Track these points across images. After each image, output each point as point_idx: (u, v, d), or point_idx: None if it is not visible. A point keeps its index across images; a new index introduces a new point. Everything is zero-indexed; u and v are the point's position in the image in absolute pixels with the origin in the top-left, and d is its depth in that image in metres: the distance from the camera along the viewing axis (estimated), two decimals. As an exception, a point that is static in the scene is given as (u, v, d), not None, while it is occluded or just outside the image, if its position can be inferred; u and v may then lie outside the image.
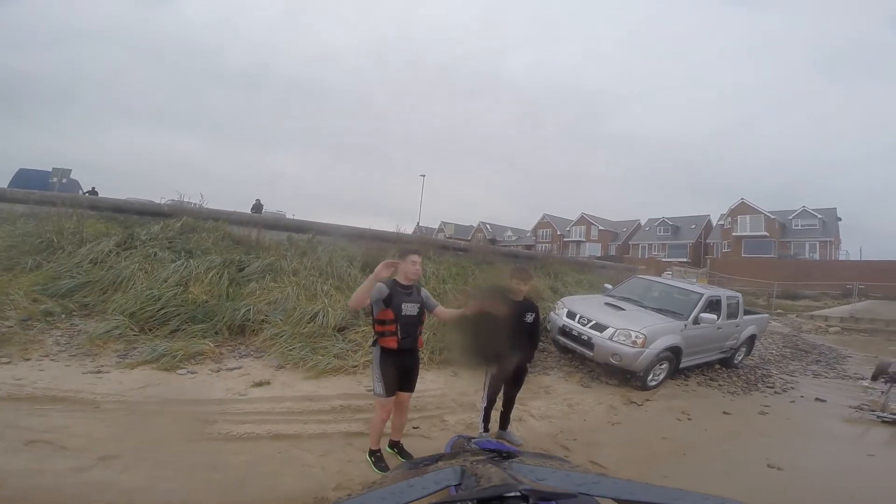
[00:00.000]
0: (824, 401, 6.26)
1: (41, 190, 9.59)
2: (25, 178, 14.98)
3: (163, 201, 8.60)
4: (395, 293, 2.91)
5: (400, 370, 3.01)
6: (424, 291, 3.14)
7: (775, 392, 6.54)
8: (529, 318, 3.64)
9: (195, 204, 8.21)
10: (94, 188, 16.61)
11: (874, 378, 6.16)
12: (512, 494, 0.78)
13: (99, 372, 3.98)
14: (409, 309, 2.95)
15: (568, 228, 53.05)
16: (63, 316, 4.85)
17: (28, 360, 4.03)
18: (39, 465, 2.59)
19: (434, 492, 0.86)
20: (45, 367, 3.96)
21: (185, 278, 5.63)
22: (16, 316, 4.59)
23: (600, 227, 50.65)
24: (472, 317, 2.98)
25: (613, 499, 0.84)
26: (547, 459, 1.32)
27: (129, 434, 3.06)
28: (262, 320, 5.36)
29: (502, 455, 1.25)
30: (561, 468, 1.09)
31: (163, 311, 5.01)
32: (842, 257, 33.80)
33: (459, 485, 0.92)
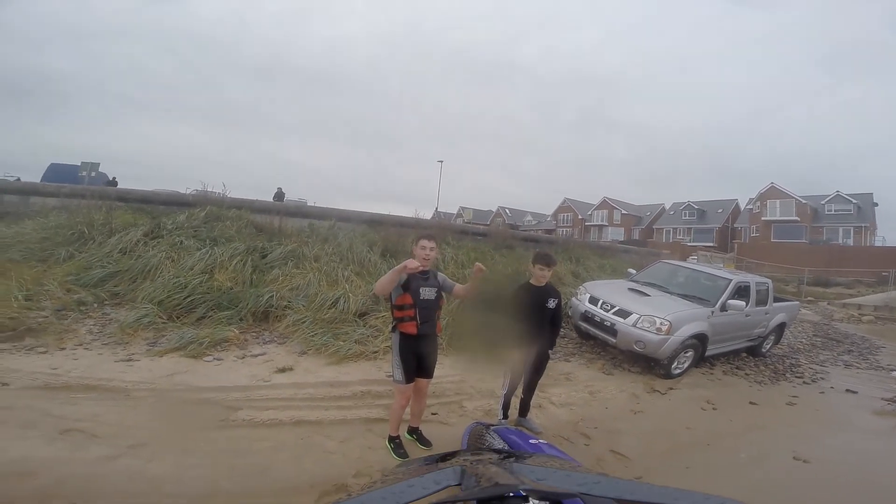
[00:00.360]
0: (856, 392, 6.05)
1: (71, 183, 9.86)
2: (56, 173, 15.44)
3: (187, 192, 8.77)
4: (413, 277, 2.91)
5: (419, 356, 3.02)
6: (441, 275, 3.14)
7: (804, 382, 6.35)
8: (552, 304, 3.59)
9: (219, 193, 8.35)
10: (114, 178, 17.03)
11: None
12: (512, 494, 0.77)
13: (130, 360, 4.13)
14: (427, 293, 2.96)
15: (590, 212, 52.28)
16: (95, 305, 5.03)
17: (63, 349, 4.20)
18: (72, 454, 2.68)
19: (434, 492, 0.86)
20: (79, 355, 4.12)
21: (210, 266, 5.78)
22: (51, 306, 4.79)
23: (623, 212, 49.74)
24: (492, 302, 2.96)
25: (614, 498, 0.83)
26: (548, 459, 1.33)
27: (157, 422, 3.16)
28: (286, 306, 5.46)
29: (503, 455, 1.26)
30: (562, 468, 1.09)
31: (189, 299, 5.16)
32: (878, 243, 32.47)
33: (459, 485, 0.91)
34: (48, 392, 3.42)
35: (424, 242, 2.96)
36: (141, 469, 2.61)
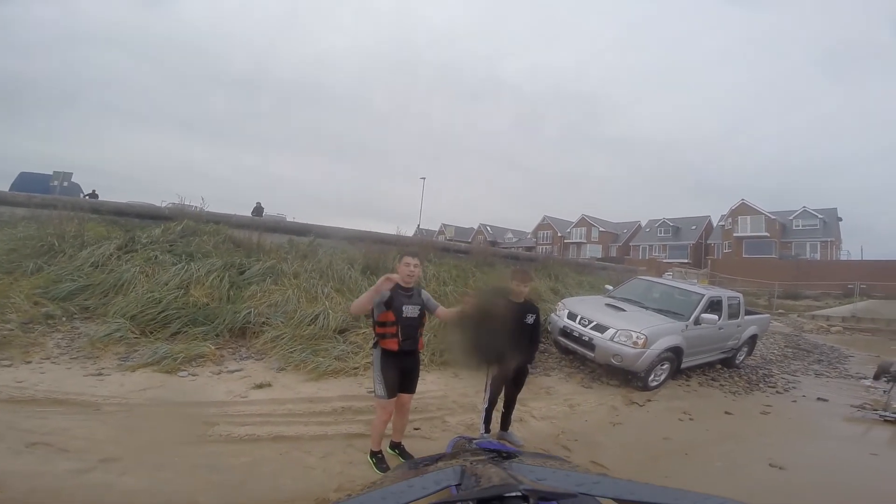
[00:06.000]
0: (826, 400, 6.24)
1: (42, 193, 9.55)
2: (27, 182, 14.91)
3: (164, 205, 8.59)
4: (396, 295, 2.93)
5: (401, 372, 3.02)
6: (425, 293, 3.15)
7: (777, 392, 6.53)
8: (530, 319, 3.66)
9: (196, 207, 8.20)
10: (94, 191, 16.62)
11: (876, 377, 6.18)
12: (512, 494, 0.78)
13: (100, 374, 3.98)
14: (410, 311, 2.97)
15: (568, 230, 52.99)
16: (64, 319, 4.85)
17: (29, 362, 4.04)
18: (40, 468, 2.59)
19: (434, 492, 0.87)
20: (46, 369, 3.96)
21: (185, 281, 5.64)
22: (17, 319, 4.59)
23: (601, 229, 50.60)
24: (472, 318, 2.98)
25: (614, 499, 0.84)
26: (547, 459, 1.33)
27: (129, 436, 3.05)
28: (263, 322, 5.36)
29: (502, 455, 1.25)
30: (561, 468, 1.09)
31: (164, 314, 5.02)
32: (843, 257, 33.71)
33: (459, 485, 0.92)
34: (13, 405, 3.29)
35: (408, 259, 2.98)
36: (113, 483, 2.53)
